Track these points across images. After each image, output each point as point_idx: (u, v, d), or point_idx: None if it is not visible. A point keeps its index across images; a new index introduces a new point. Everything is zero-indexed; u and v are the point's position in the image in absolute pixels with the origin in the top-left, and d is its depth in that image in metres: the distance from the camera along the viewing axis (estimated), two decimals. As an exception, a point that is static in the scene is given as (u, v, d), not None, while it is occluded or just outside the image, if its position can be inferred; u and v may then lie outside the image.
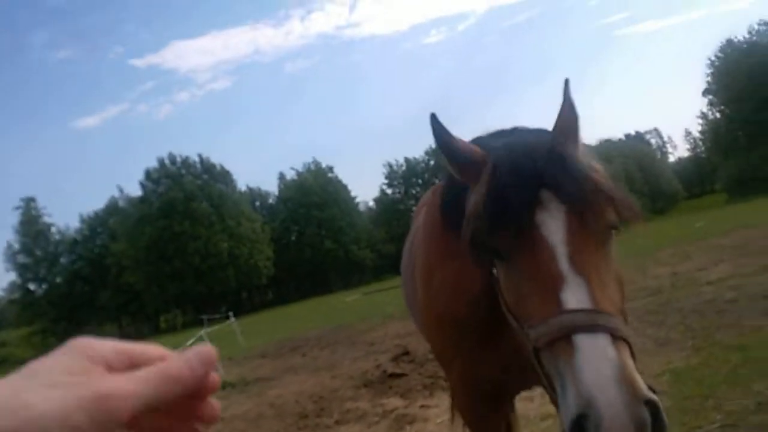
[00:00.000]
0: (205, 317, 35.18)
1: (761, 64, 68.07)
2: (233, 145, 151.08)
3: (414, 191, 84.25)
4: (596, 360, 1.37)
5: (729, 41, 74.90)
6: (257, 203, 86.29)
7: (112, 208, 78.32)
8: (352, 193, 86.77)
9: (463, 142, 1.97)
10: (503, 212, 1.67)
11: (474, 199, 1.80)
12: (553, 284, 1.54)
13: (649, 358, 6.64)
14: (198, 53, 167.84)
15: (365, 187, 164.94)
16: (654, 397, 1.33)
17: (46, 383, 0.53)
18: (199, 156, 77.65)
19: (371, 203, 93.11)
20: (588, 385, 1.33)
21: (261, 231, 75.32)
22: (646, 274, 14.02)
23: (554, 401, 2.66)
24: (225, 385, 11.65)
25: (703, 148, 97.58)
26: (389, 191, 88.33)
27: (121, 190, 77.66)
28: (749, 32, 74.07)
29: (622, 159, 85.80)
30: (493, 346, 2.27)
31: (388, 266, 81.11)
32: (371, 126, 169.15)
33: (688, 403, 5.06)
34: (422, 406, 7.15)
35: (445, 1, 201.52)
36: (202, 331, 14.18)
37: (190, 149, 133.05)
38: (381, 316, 19.02)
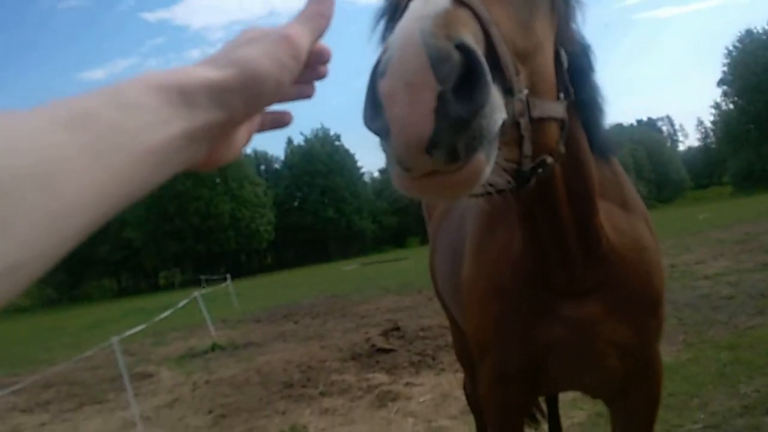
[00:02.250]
0: (203, 277, 35.36)
1: (780, 57, 67.01)
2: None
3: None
4: (416, 7, 1.02)
5: (748, 31, 73.54)
6: (262, 167, 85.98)
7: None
8: (358, 163, 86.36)
9: None
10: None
11: None
12: None
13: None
14: (210, 11, 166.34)
15: (371, 157, 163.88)
16: (474, 46, 0.96)
17: (243, 45, 0.67)
18: (206, 115, 77.09)
19: (376, 174, 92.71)
20: (396, 28, 1.00)
21: (264, 195, 75.20)
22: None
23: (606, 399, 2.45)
24: (215, 347, 11.69)
25: (713, 139, 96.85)
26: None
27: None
28: (770, 23, 72.74)
29: (632, 145, 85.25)
30: (538, 321, 2.04)
31: (388, 238, 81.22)
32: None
33: (672, 400, 4.98)
34: (407, 384, 7.09)
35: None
36: (197, 293, 14.15)
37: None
38: (376, 289, 19.01)
